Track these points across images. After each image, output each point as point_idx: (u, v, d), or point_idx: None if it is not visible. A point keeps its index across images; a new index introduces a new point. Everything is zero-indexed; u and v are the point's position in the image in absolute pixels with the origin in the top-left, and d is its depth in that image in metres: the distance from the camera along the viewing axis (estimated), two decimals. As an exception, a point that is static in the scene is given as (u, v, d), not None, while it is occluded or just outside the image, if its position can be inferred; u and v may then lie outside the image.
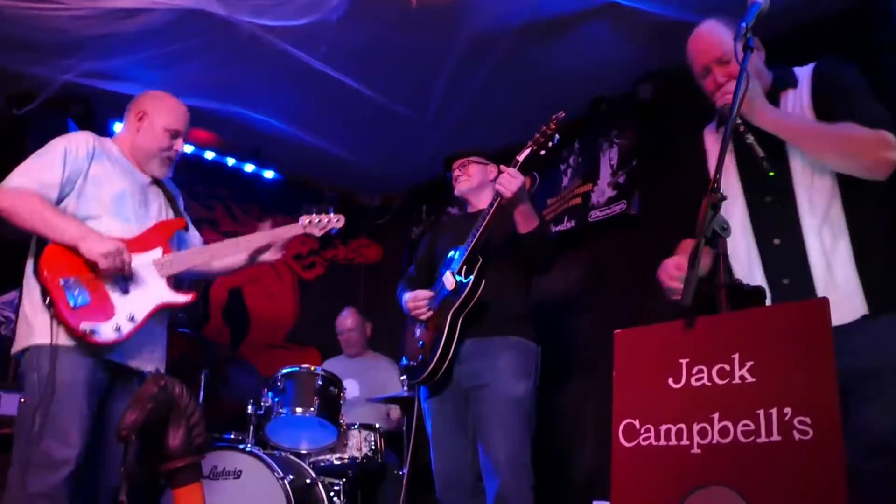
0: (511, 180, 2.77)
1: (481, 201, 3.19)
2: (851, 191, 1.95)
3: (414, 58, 3.84)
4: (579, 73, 3.98)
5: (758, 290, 1.60)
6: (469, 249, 2.89)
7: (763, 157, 1.82)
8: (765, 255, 2.02)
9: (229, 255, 2.81)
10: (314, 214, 2.99)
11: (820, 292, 1.89)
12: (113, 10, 3.24)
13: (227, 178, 5.29)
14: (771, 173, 1.70)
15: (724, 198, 1.56)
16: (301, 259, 5.67)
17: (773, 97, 2.09)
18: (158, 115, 2.72)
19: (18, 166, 2.52)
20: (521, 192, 2.79)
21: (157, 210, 2.76)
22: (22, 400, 2.36)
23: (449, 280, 2.94)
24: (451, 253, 3.02)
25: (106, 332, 2.40)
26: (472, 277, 2.86)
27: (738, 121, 1.93)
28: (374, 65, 3.93)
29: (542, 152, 2.83)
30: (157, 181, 2.79)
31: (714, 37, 2.13)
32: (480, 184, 3.21)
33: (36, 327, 2.40)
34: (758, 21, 1.84)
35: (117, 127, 4.64)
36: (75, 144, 2.56)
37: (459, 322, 2.90)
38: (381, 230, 5.99)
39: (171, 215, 2.81)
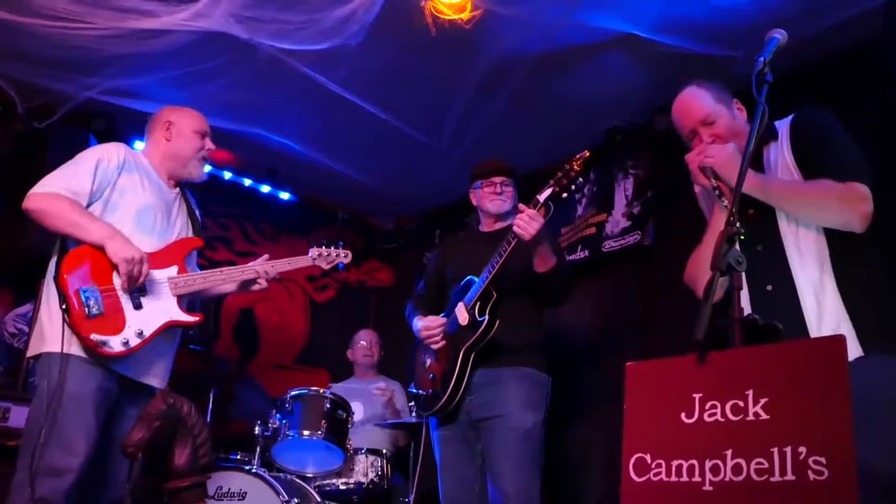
0: (530, 222, 2.67)
1: (499, 222, 3.18)
2: (835, 235, 1.97)
3: (431, 84, 3.88)
4: (595, 103, 4.00)
5: (772, 326, 1.58)
6: (483, 285, 2.85)
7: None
8: (759, 302, 2.02)
9: (236, 278, 2.82)
10: (324, 248, 3.08)
11: (813, 336, 1.89)
12: (138, 30, 3.29)
13: (243, 197, 5.33)
14: (741, 237, 1.71)
15: (740, 231, 1.55)
16: (313, 281, 5.68)
17: (757, 152, 2.13)
18: (183, 121, 2.85)
19: (50, 174, 2.58)
20: (539, 234, 2.70)
21: (180, 227, 2.82)
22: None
23: (462, 314, 2.91)
24: (465, 280, 2.99)
25: (114, 344, 2.43)
26: (486, 317, 2.83)
27: (714, 183, 1.99)
28: (391, 90, 3.97)
29: (565, 195, 2.71)
30: (183, 196, 2.86)
31: (696, 101, 2.20)
32: (513, 208, 3.18)
33: (49, 335, 2.44)
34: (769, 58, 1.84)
35: (138, 144, 4.69)
36: (108, 155, 2.64)
37: (471, 359, 2.89)
38: (393, 253, 6.00)
39: (191, 233, 2.86)
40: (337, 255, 3.10)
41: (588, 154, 2.72)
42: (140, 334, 2.49)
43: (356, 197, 5.47)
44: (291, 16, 3.20)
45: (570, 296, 3.08)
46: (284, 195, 5.44)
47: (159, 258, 2.62)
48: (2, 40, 3.44)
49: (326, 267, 3.07)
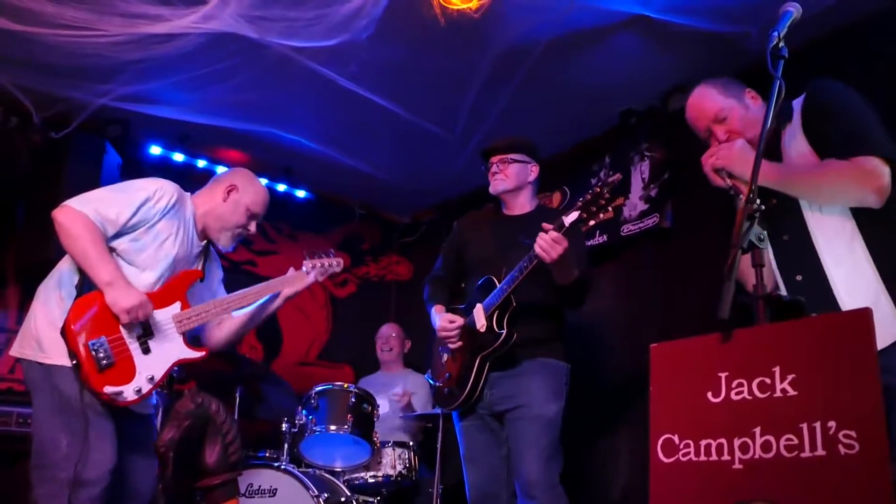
0: (553, 246, 2.57)
1: (517, 204, 3.11)
2: (863, 214, 1.94)
3: (443, 75, 3.87)
4: (608, 86, 3.98)
5: (796, 302, 1.57)
6: (503, 297, 2.81)
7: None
8: (790, 292, 2.01)
9: (236, 305, 2.81)
10: (317, 259, 3.03)
11: None
12: (148, 35, 3.31)
13: (259, 197, 5.35)
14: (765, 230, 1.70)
15: (760, 208, 1.54)
16: (333, 277, 5.69)
17: (775, 137, 2.11)
18: (246, 193, 2.82)
19: (95, 190, 2.59)
20: (562, 256, 2.59)
21: None
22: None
23: (480, 319, 2.89)
24: (485, 279, 2.95)
25: (128, 394, 2.46)
26: (504, 330, 2.81)
27: (729, 182, 2.01)
28: (403, 83, 3.97)
29: (592, 222, 2.52)
30: (206, 251, 2.85)
31: (705, 100, 2.21)
32: (518, 185, 3.08)
33: (47, 345, 2.43)
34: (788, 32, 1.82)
35: (153, 149, 4.74)
36: (159, 195, 2.61)
37: (487, 365, 2.89)
38: (411, 247, 6.02)
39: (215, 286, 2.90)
40: (330, 265, 3.05)
41: (620, 176, 2.61)
42: (151, 379, 2.52)
43: (372, 192, 5.48)
44: (300, 13, 3.20)
45: (587, 301, 2.98)
46: (301, 193, 5.47)
47: (161, 296, 2.62)
48: (16, 51, 3.48)
49: (321, 279, 3.04)
